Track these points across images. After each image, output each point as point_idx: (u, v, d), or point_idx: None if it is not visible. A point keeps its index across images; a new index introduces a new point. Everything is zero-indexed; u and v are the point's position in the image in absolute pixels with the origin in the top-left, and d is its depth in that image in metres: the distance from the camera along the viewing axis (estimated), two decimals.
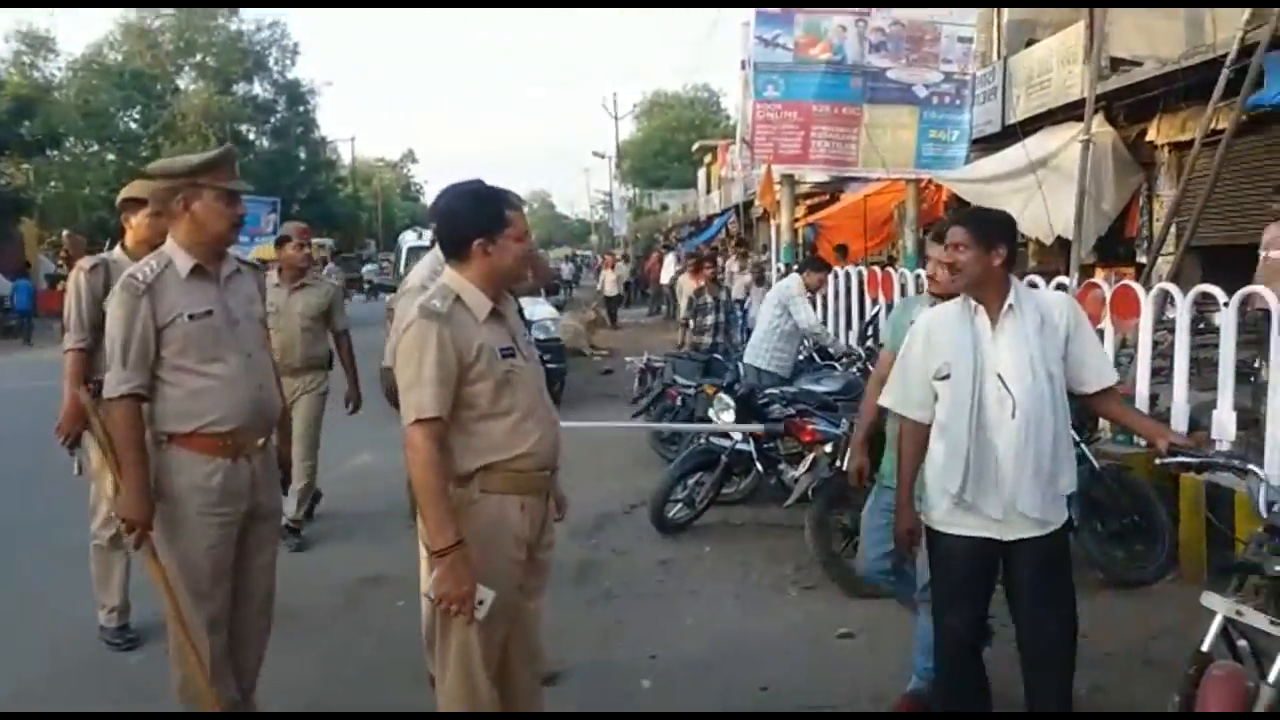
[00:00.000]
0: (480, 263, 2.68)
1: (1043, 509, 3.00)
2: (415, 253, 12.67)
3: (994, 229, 3.10)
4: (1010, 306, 3.02)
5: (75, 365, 3.94)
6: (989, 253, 3.02)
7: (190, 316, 3.00)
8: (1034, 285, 6.78)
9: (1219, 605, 2.69)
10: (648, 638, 4.42)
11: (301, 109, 44.44)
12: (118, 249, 4.24)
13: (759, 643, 4.37)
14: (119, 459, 2.99)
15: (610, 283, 23.81)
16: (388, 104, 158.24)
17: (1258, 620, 2.62)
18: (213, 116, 37.57)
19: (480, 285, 2.69)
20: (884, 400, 3.33)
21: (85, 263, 4.12)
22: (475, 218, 2.71)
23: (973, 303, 3.08)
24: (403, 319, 3.42)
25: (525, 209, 2.90)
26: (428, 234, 12.76)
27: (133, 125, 37.91)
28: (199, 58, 40.21)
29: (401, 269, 13.21)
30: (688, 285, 9.63)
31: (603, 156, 48.16)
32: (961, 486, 2.99)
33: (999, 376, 2.99)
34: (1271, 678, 2.57)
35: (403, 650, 4.05)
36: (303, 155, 43.35)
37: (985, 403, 2.99)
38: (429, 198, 79.69)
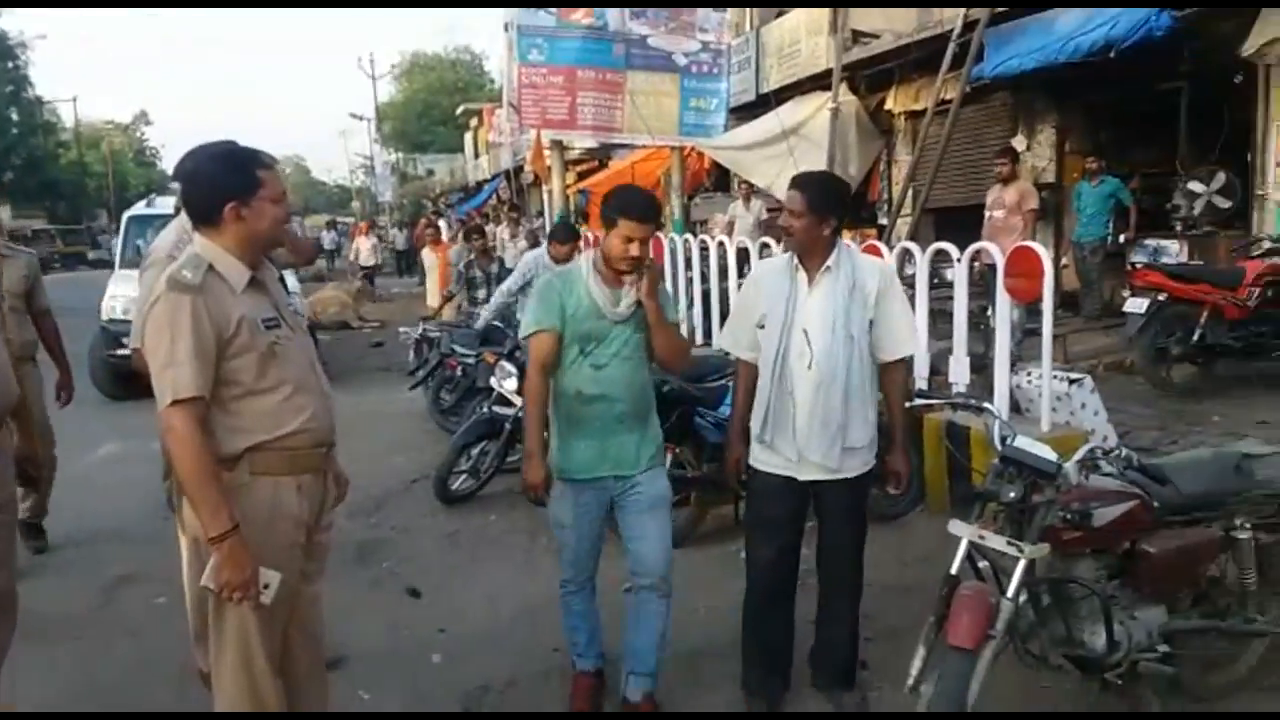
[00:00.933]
0: (234, 228, 2.50)
1: (830, 458, 3.23)
2: (139, 223, 11.06)
3: (829, 200, 3.27)
4: (828, 268, 3.23)
5: None
6: (820, 222, 3.22)
7: None
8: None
9: (963, 531, 2.99)
10: (435, 613, 4.37)
11: (10, 65, 39.81)
12: None
13: (548, 606, 4.36)
14: None
15: (365, 251, 22.46)
16: (114, 61, 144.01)
17: (997, 542, 2.93)
18: None
19: (235, 252, 2.52)
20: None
21: None
22: (226, 180, 2.52)
23: (795, 260, 3.29)
24: (148, 288, 3.16)
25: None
26: (162, 201, 11.59)
27: None
28: None
29: (119, 243, 11.21)
30: (430, 257, 9.15)
31: (361, 119, 46.00)
32: (762, 428, 3.28)
33: (804, 331, 3.22)
34: (1009, 592, 2.88)
35: (166, 647, 3.82)
36: (15, 117, 38.90)
37: (789, 354, 3.23)
38: (167, 163, 73.61)
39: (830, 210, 3.23)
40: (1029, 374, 5.47)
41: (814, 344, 3.19)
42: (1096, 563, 3.11)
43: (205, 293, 2.42)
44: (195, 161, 2.63)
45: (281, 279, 2.81)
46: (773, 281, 3.33)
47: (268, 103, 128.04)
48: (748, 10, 14.96)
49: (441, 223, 22.65)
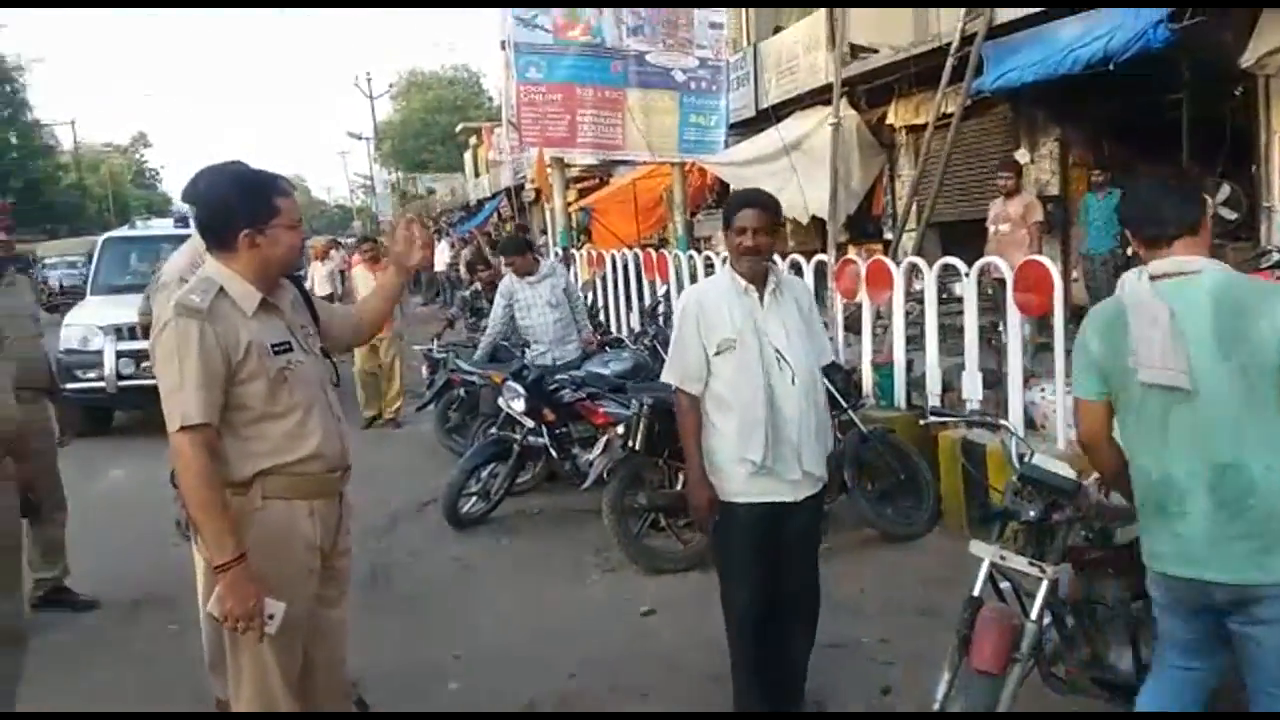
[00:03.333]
0: (249, 254, 2.49)
1: (820, 466, 3.29)
2: (117, 246, 10.83)
3: (779, 209, 3.32)
4: (775, 287, 3.27)
5: None
6: (777, 238, 3.27)
7: None
8: (797, 265, 7.19)
9: (984, 552, 2.96)
10: (450, 637, 4.33)
11: (8, 88, 39.93)
12: None
13: (565, 628, 4.38)
14: None
15: (320, 278, 15.69)
16: (112, 83, 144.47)
17: (1018, 563, 2.90)
18: None
19: (248, 276, 2.50)
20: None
21: None
22: (242, 206, 2.50)
23: (742, 282, 3.24)
24: (159, 318, 3.14)
25: None
26: (154, 224, 11.42)
27: None
28: None
29: (93, 267, 10.75)
30: (363, 277, 8.66)
31: (360, 138, 46.27)
32: (764, 454, 3.15)
33: (777, 350, 3.21)
34: (1033, 614, 2.86)
35: (180, 674, 3.80)
36: (13, 140, 39.00)
37: (770, 375, 3.19)
38: (167, 184, 73.58)
39: (778, 225, 3.32)
40: (1043, 390, 5.45)
41: (790, 359, 3.21)
42: (1121, 583, 3.08)
43: (214, 317, 2.41)
44: (210, 185, 2.60)
45: (308, 299, 2.78)
46: (724, 306, 3.23)
47: (265, 122, 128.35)
48: (744, 25, 15.01)
49: (443, 243, 22.66)
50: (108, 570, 5.11)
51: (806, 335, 3.29)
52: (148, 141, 72.03)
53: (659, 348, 7.19)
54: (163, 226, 11.93)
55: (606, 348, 7.39)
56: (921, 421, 3.54)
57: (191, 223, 3.69)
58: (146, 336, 7.21)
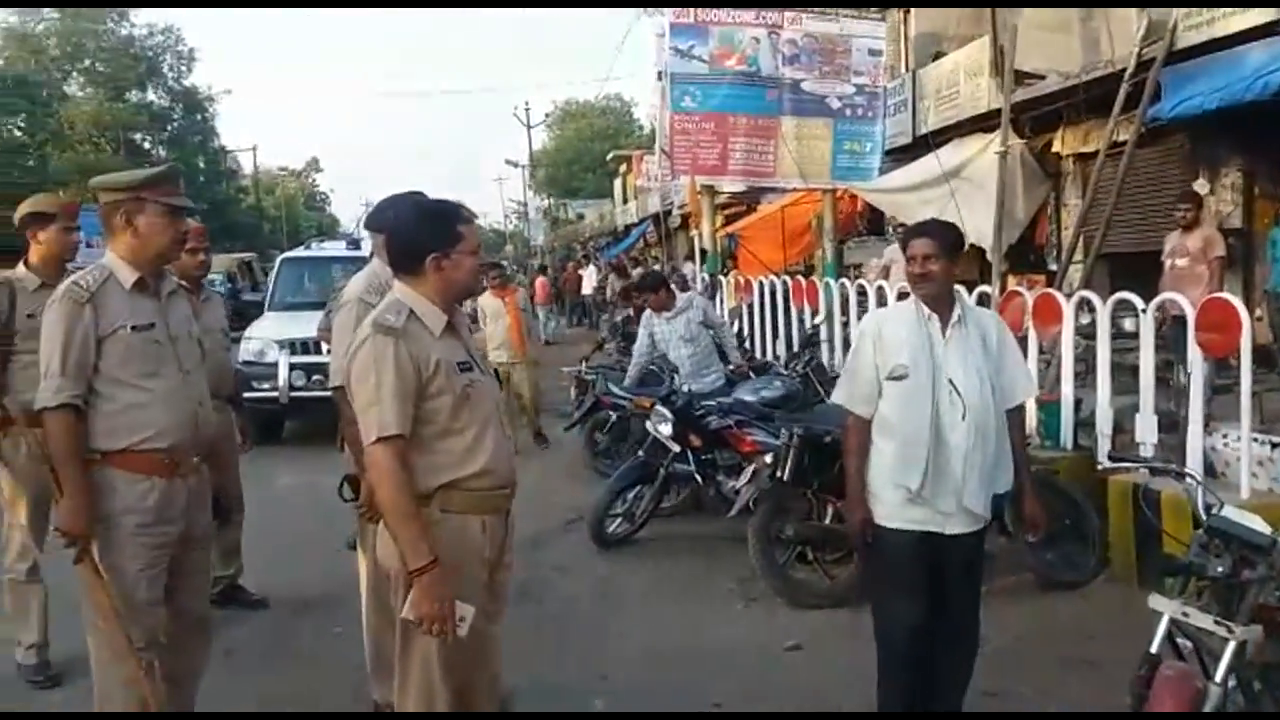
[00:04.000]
0: (434, 278, 2.64)
1: (984, 505, 3.20)
2: (293, 266, 11.54)
3: (955, 244, 3.29)
4: (959, 317, 3.22)
5: None
6: (952, 265, 3.23)
7: (133, 328, 2.93)
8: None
9: (1166, 607, 2.77)
10: (595, 657, 4.36)
11: (199, 117, 43.22)
12: (21, 266, 4.04)
13: (708, 658, 4.34)
14: (57, 470, 2.87)
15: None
16: (291, 112, 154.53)
17: (1203, 620, 2.70)
18: (104, 124, 36.22)
19: (433, 299, 2.66)
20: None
21: None
22: (429, 233, 2.67)
23: (926, 310, 3.22)
24: (343, 328, 3.33)
25: None
26: (328, 245, 12.12)
27: (17, 133, 36.21)
28: (87, 63, 38.73)
29: (271, 285, 11.45)
30: (490, 305, 8.83)
31: (516, 165, 47.80)
32: (921, 483, 3.12)
33: (950, 381, 3.16)
34: (1218, 676, 2.65)
35: (340, 676, 3.96)
36: (201, 165, 42.14)
37: (940, 405, 3.15)
38: (335, 206, 77.74)
39: (956, 254, 3.27)
40: (1225, 436, 5.10)
41: (963, 393, 3.15)
42: None
43: (407, 336, 2.55)
44: (401, 213, 2.79)
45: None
46: (903, 332, 3.23)
47: (433, 153, 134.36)
48: (903, 52, 14.76)
49: (590, 268, 23.11)
50: (277, 572, 5.39)
51: (991, 369, 3.21)
52: (319, 166, 76.52)
53: (811, 376, 7.14)
54: (335, 248, 12.67)
55: (752, 374, 7.36)
56: (1100, 466, 3.33)
57: (365, 246, 3.88)
58: (319, 351, 7.46)
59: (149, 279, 3.02)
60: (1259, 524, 2.72)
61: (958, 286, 3.42)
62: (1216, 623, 2.68)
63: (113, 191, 3.01)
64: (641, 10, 18.84)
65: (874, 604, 3.38)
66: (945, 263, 3.19)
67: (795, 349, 8.90)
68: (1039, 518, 3.39)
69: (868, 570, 3.43)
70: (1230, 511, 2.81)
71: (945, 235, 3.26)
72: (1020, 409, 3.40)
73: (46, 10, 37.63)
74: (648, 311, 7.11)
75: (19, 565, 4.01)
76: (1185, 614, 2.75)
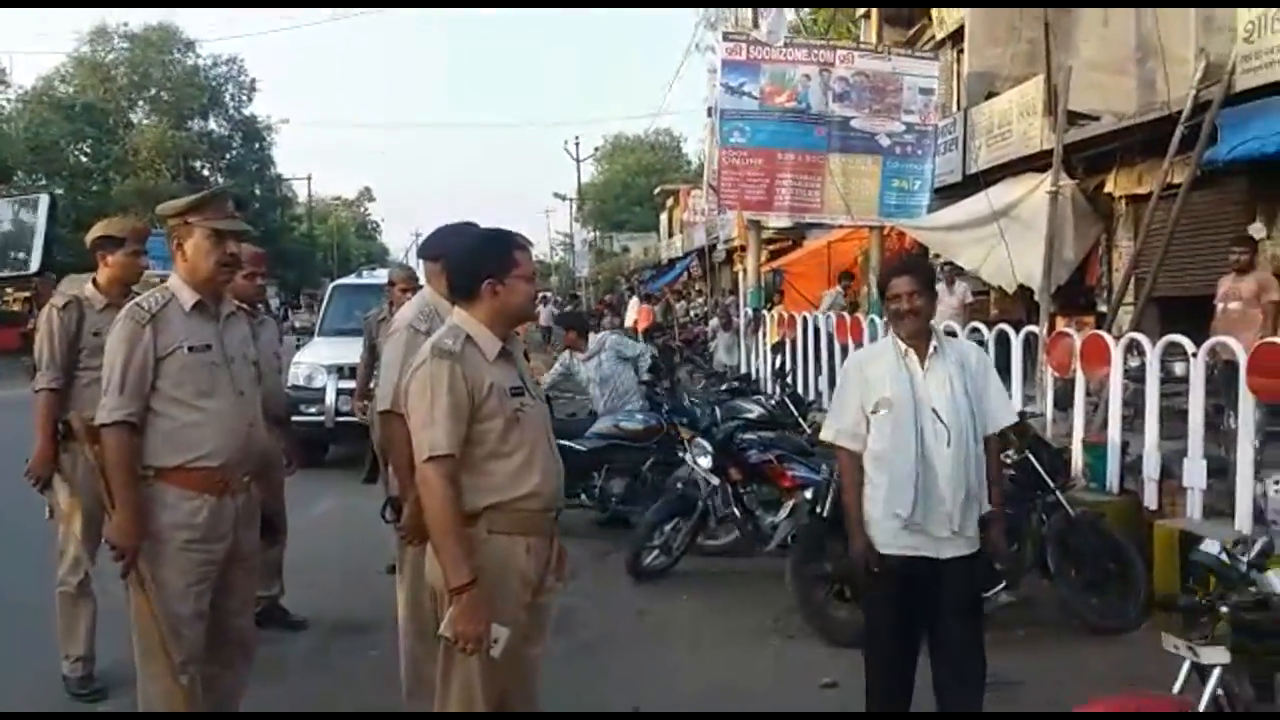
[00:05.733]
0: (490, 303, 2.72)
1: (972, 527, 3.37)
2: (344, 293, 11.74)
3: (931, 277, 3.58)
4: (935, 349, 3.42)
5: (46, 406, 3.88)
6: (933, 300, 3.47)
7: (190, 349, 3.02)
8: (1004, 335, 6.93)
9: (1167, 643, 2.67)
10: (630, 689, 4.34)
11: (257, 146, 44.24)
12: (89, 286, 4.16)
13: (743, 694, 4.31)
14: (110, 485, 2.96)
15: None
16: (346, 142, 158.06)
17: (1212, 655, 2.58)
18: (166, 152, 37.25)
19: (489, 324, 2.73)
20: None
21: (58, 300, 4.05)
22: (485, 258, 2.76)
23: (902, 345, 3.42)
24: (393, 354, 3.42)
25: None
26: (378, 273, 12.36)
27: (83, 159, 37.40)
28: (153, 92, 39.93)
29: (322, 311, 11.69)
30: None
31: (564, 198, 48.31)
32: (912, 510, 3.29)
33: (934, 410, 3.34)
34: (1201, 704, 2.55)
35: (376, 699, 3.98)
36: (257, 192, 43.09)
37: (924, 435, 3.33)
38: (386, 235, 78.89)
39: (933, 290, 3.52)
40: (1276, 482, 4.98)
41: (946, 421, 3.32)
42: None
43: (463, 360, 2.63)
44: (460, 239, 2.93)
45: (526, 353, 3.02)
46: (884, 369, 3.42)
47: (482, 184, 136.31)
48: (954, 91, 14.74)
49: (633, 300, 23.25)
50: (317, 594, 5.44)
51: (973, 397, 3.38)
52: (372, 196, 77.82)
53: (788, 402, 7.42)
54: (384, 276, 12.86)
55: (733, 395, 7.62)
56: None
57: (420, 275, 3.96)
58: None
59: (209, 301, 3.12)
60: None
61: (947, 323, 3.54)
62: (1188, 647, 2.60)
63: (169, 217, 3.14)
64: (694, 48, 19.08)
65: (869, 626, 3.55)
66: (926, 299, 3.38)
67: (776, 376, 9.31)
68: (1001, 549, 3.55)
69: (866, 597, 3.61)
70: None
71: (923, 273, 3.52)
72: (999, 437, 3.58)
73: (117, 40, 38.94)
74: (566, 351, 7.67)
75: (70, 578, 4.09)
76: (1175, 646, 2.66)
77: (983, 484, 3.41)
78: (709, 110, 14.24)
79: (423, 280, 4.15)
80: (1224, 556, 2.69)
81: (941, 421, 3.31)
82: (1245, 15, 8.23)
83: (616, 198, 52.09)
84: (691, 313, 19.82)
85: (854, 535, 3.46)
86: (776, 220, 14.38)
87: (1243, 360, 4.94)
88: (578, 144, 46.58)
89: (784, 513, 5.42)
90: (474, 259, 2.77)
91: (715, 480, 5.80)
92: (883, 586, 3.41)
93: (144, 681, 3.06)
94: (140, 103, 40.07)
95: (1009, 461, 5.07)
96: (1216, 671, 2.56)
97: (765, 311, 12.86)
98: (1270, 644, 2.61)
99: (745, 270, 13.74)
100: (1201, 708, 2.55)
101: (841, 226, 13.92)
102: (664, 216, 38.18)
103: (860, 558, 3.42)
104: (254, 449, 3.21)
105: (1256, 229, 8.75)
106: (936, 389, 3.35)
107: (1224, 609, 2.60)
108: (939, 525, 3.30)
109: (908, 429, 3.31)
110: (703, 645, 4.92)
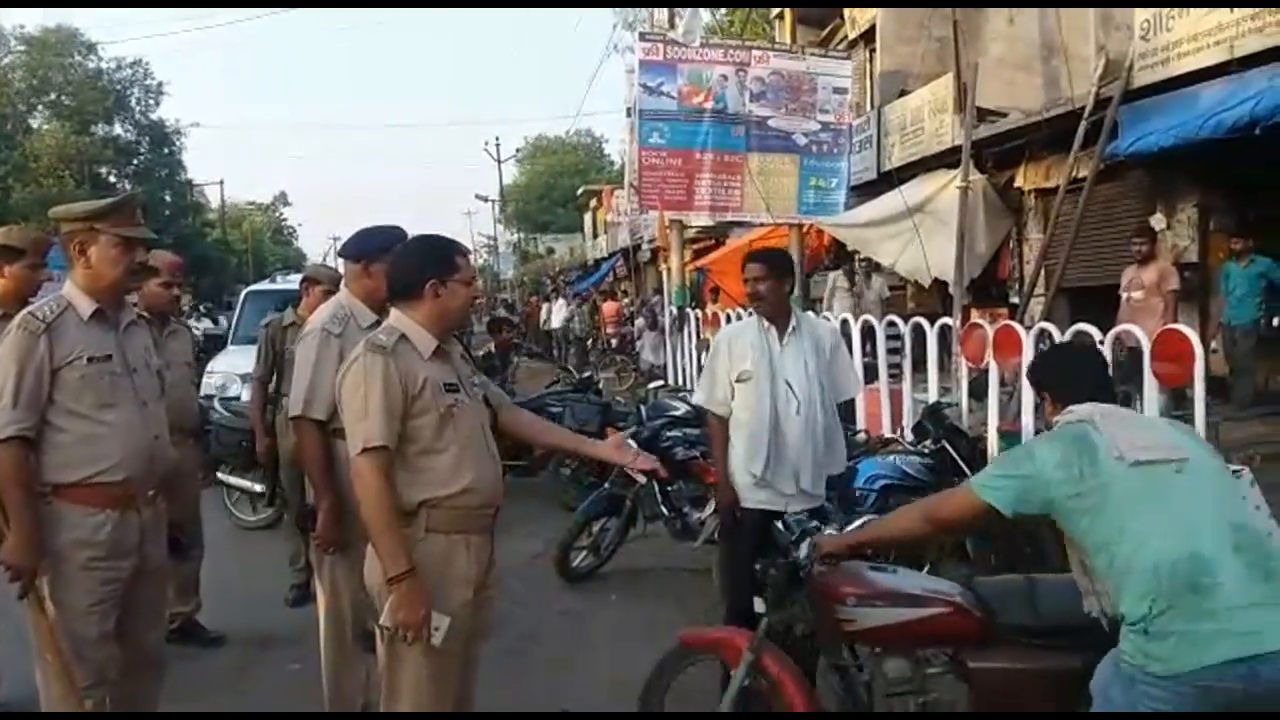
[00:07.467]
0: (431, 304, 2.73)
1: (820, 488, 3.92)
2: (258, 298, 11.58)
3: (785, 263, 4.08)
4: (793, 328, 3.90)
5: None
6: (781, 284, 3.89)
7: (90, 359, 2.89)
8: (920, 328, 7.06)
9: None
10: (558, 692, 4.32)
11: (166, 150, 42.86)
12: None
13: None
14: (5, 503, 2.82)
15: None
16: (259, 145, 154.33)
17: None
18: (69, 158, 35.85)
19: (426, 325, 2.73)
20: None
21: None
22: (429, 260, 2.78)
23: (765, 322, 3.90)
24: (304, 357, 3.35)
25: None
26: (293, 278, 12.14)
27: None
28: (53, 96, 38.40)
29: (235, 317, 11.61)
30: None
31: (486, 200, 47.86)
32: (764, 469, 3.79)
33: (787, 382, 3.83)
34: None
35: (297, 710, 3.88)
36: (168, 198, 41.75)
37: (778, 403, 3.81)
38: (303, 240, 77.13)
39: (787, 274, 3.98)
40: None
41: (797, 392, 3.81)
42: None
43: (396, 356, 2.63)
44: (404, 243, 3.03)
45: (467, 351, 3.01)
46: (747, 342, 3.90)
47: (401, 186, 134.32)
48: (868, 90, 15.01)
49: (560, 301, 23.17)
50: (235, 609, 5.27)
51: (821, 372, 3.88)
52: (288, 200, 75.94)
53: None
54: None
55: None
56: None
57: (341, 272, 3.87)
58: None
59: (107, 310, 3.00)
60: None
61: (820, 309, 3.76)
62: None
63: (68, 222, 3.00)
64: (612, 48, 19.09)
65: (727, 560, 4.11)
66: (773, 283, 3.85)
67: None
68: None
69: (727, 537, 4.09)
70: None
71: (774, 260, 4.00)
72: (851, 404, 4.13)
73: (14, 43, 37.36)
74: None
75: None
76: None
77: (832, 448, 3.94)
78: (628, 110, 14.25)
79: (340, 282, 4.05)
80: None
81: (793, 391, 3.80)
82: (1141, 14, 8.53)
83: (540, 199, 51.77)
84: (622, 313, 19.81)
85: (722, 489, 3.96)
86: (697, 219, 14.48)
87: (1146, 348, 5.10)
88: (498, 145, 46.32)
89: (709, 508, 5.43)
90: (419, 259, 2.81)
91: (643, 479, 5.78)
92: (737, 536, 3.92)
93: (46, 706, 2.93)
94: (39, 107, 38.50)
95: (926, 450, 5.19)
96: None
97: (690, 310, 12.92)
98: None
99: (669, 269, 13.79)
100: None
101: (762, 225, 14.07)
102: (588, 217, 38.08)
103: (724, 508, 3.96)
104: (160, 461, 3.09)
105: (1157, 220, 9.09)
106: (792, 363, 3.84)
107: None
108: (786, 483, 3.80)
109: (764, 398, 3.79)
110: (633, 642, 4.83)
